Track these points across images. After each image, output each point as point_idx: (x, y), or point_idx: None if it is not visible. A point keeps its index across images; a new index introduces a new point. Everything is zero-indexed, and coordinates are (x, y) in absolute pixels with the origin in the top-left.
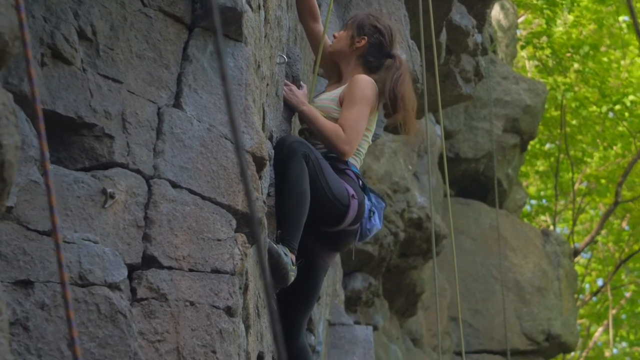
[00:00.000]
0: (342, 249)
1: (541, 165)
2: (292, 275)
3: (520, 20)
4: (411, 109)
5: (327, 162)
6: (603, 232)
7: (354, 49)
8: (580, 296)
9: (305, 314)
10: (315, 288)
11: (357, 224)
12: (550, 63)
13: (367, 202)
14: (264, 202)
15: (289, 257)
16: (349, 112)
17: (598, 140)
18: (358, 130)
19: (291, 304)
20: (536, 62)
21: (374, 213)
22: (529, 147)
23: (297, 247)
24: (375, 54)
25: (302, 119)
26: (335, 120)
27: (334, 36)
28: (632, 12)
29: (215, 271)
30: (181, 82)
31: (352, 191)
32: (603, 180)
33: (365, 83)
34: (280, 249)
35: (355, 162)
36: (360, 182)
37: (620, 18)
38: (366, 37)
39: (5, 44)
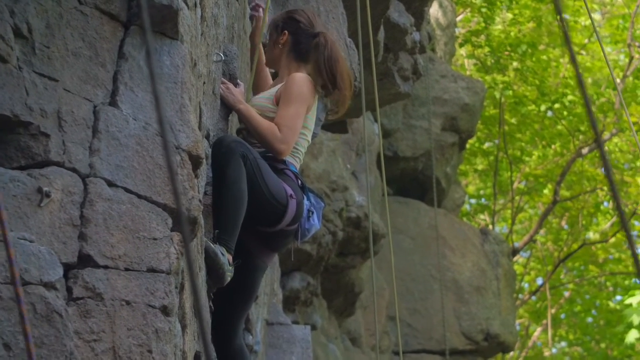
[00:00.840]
0: (281, 249)
1: (480, 164)
2: (229, 276)
3: (458, 18)
4: (349, 84)
5: (265, 161)
6: (542, 231)
7: (281, 48)
8: (519, 295)
9: (242, 314)
10: (253, 289)
11: (295, 224)
12: (489, 61)
13: (306, 201)
14: (200, 201)
15: (225, 257)
16: (285, 110)
17: (537, 139)
18: (294, 129)
19: (228, 304)
20: (475, 61)
21: (312, 213)
22: (468, 146)
23: (234, 247)
24: (300, 39)
25: (239, 118)
26: (271, 119)
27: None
28: (558, 10)
29: (151, 270)
30: (117, 80)
31: (290, 191)
32: (542, 179)
33: (301, 81)
34: (217, 249)
35: (294, 161)
36: (299, 181)
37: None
38: (285, 31)
39: None
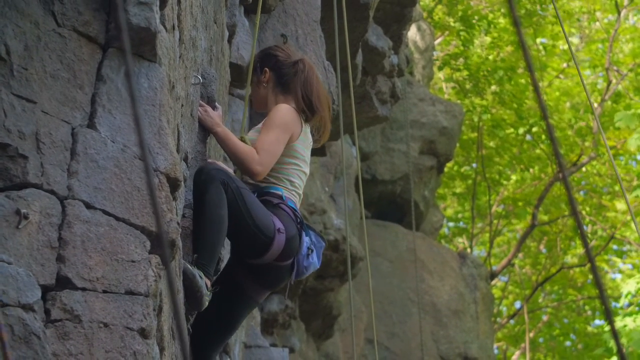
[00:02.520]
0: (275, 285)
1: (458, 187)
2: (206, 300)
3: (437, 41)
4: (327, 106)
5: (252, 193)
6: (520, 255)
7: (266, 86)
8: (497, 319)
9: (221, 343)
10: (236, 320)
11: (288, 261)
12: (467, 85)
13: (305, 239)
14: (178, 224)
15: (203, 281)
16: (266, 135)
17: (515, 163)
18: (272, 153)
19: (208, 331)
20: (453, 84)
21: (312, 251)
22: (446, 169)
23: (212, 273)
24: (283, 71)
25: (217, 140)
26: None
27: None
28: (517, 26)
29: (129, 292)
30: (95, 103)
31: (279, 225)
32: (520, 203)
33: (284, 109)
34: (195, 271)
35: (292, 196)
36: (298, 218)
37: (538, 40)
38: (265, 68)
39: None
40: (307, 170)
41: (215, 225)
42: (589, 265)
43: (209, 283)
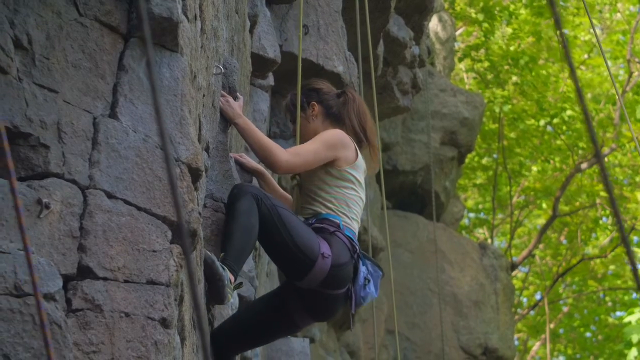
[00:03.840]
0: (322, 315)
1: (479, 178)
2: (229, 293)
3: (458, 32)
4: (374, 138)
5: (292, 214)
6: (540, 245)
7: (315, 119)
8: (518, 310)
9: (245, 349)
10: (270, 338)
11: (338, 290)
12: (489, 76)
13: (362, 268)
14: (200, 214)
15: (226, 273)
16: (307, 144)
17: (536, 154)
18: (304, 159)
19: (238, 335)
20: (474, 75)
21: (369, 281)
22: (467, 160)
23: (238, 272)
24: (330, 104)
25: (239, 131)
26: (320, 179)
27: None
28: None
29: (151, 282)
30: (117, 92)
31: (325, 250)
32: (541, 194)
33: (335, 132)
34: (215, 258)
35: (350, 223)
36: (355, 247)
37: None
38: (313, 102)
39: None
40: (364, 196)
41: (244, 231)
42: (610, 255)
43: (232, 279)
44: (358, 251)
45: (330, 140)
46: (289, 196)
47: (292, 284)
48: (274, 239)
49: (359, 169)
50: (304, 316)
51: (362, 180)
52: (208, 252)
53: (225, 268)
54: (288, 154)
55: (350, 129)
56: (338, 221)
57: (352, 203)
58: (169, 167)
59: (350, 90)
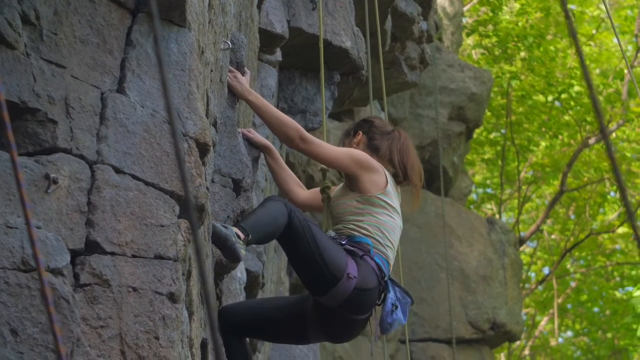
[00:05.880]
0: (338, 337)
1: (487, 153)
2: (241, 249)
3: (466, 8)
4: (419, 177)
5: (323, 232)
6: (548, 220)
7: (356, 146)
8: (526, 285)
9: (250, 337)
10: (276, 339)
11: (360, 315)
12: (496, 51)
13: (390, 295)
14: (207, 189)
15: (229, 230)
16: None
17: (544, 129)
18: (323, 146)
19: (249, 323)
20: (482, 50)
21: (397, 307)
22: (475, 135)
23: (249, 234)
24: (374, 136)
25: (252, 108)
26: (352, 205)
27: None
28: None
29: (159, 257)
30: (124, 68)
31: (352, 271)
32: (548, 169)
33: (362, 152)
34: (219, 223)
35: (383, 250)
36: (383, 273)
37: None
38: (359, 132)
39: None
40: (401, 223)
41: (271, 218)
42: (618, 230)
43: (241, 235)
44: (386, 278)
45: (356, 154)
46: (294, 176)
47: (315, 303)
48: (302, 251)
49: (391, 195)
50: (317, 334)
51: (397, 207)
52: (215, 222)
53: (229, 227)
54: (306, 135)
55: (387, 162)
56: (369, 246)
57: (385, 230)
58: (176, 142)
59: (400, 129)
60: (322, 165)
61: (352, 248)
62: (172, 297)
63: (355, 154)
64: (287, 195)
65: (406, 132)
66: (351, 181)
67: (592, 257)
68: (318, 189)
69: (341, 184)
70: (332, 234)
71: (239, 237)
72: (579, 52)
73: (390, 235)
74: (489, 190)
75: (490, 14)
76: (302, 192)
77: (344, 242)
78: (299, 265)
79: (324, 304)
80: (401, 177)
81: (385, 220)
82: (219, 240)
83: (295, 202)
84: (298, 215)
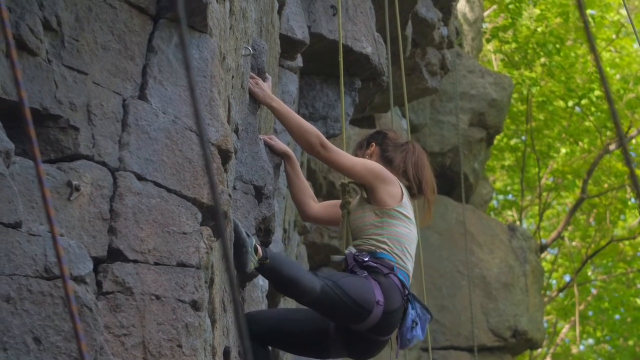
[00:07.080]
0: (361, 356)
1: (508, 159)
2: (251, 261)
3: (486, 13)
4: (432, 191)
5: (345, 274)
6: (569, 227)
7: (369, 157)
8: (547, 292)
9: (276, 347)
10: (301, 351)
11: (385, 336)
12: (516, 57)
13: (411, 311)
14: (230, 196)
15: (251, 240)
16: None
17: (564, 136)
18: (341, 154)
19: (273, 334)
20: (502, 56)
21: (417, 324)
22: (495, 142)
23: (267, 259)
24: (387, 148)
25: (275, 114)
26: (375, 223)
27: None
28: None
29: (181, 265)
30: (146, 74)
31: (379, 297)
32: (569, 176)
33: (377, 163)
34: (241, 224)
35: (404, 264)
36: (406, 290)
37: (587, 12)
38: (372, 143)
39: None
40: (416, 233)
41: (296, 269)
42: None
43: (260, 251)
44: (408, 293)
45: (371, 165)
46: (310, 189)
47: (344, 329)
48: (333, 305)
49: (407, 207)
50: (340, 351)
51: (413, 218)
52: (237, 221)
53: (251, 236)
54: (327, 142)
55: (401, 175)
56: (392, 263)
57: (404, 242)
58: (204, 148)
59: (414, 142)
60: (344, 179)
61: (375, 264)
62: (195, 305)
63: (371, 165)
64: (300, 207)
65: (420, 145)
66: (368, 193)
67: (613, 264)
68: (331, 202)
69: (357, 197)
70: (353, 250)
71: (256, 251)
72: (597, 64)
73: (409, 247)
74: (509, 196)
75: (510, 20)
76: (315, 206)
77: (366, 259)
78: (331, 313)
79: (354, 329)
80: (415, 191)
81: (403, 233)
82: (236, 243)
83: (307, 214)
84: (328, 283)
